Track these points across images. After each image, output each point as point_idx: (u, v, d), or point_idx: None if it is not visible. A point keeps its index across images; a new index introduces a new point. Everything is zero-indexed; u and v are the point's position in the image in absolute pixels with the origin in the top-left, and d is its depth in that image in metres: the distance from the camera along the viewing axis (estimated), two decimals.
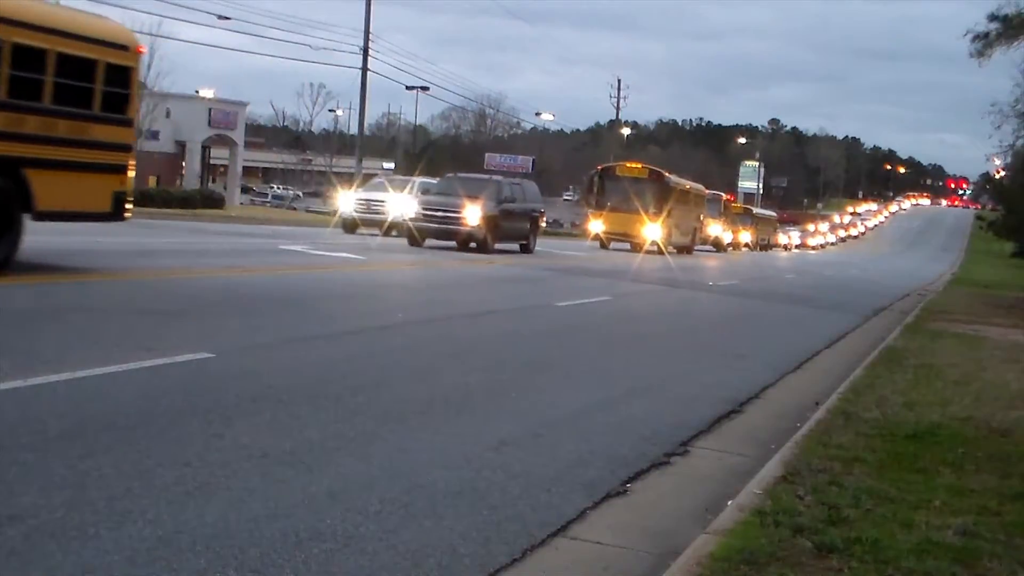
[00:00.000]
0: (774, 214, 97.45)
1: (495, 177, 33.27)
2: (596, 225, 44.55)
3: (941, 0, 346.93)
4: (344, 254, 22.65)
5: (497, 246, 29.60)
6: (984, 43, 29.74)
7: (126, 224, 20.91)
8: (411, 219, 28.55)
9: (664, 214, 43.12)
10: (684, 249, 47.85)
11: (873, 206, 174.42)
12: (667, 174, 46.54)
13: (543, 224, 34.36)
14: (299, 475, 5.61)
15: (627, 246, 43.39)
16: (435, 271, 21.69)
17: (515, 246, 31.62)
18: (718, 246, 60.09)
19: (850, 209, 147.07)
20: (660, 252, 41.20)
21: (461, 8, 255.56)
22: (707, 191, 57.96)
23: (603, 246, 43.83)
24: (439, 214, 28.24)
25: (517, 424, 7.49)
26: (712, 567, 4.58)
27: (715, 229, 59.70)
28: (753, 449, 7.68)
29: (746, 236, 71.88)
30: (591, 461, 6.73)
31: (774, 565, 4.65)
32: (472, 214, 28.05)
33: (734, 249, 63.82)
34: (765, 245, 78.79)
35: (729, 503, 5.80)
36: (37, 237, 19.99)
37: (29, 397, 6.60)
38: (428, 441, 6.69)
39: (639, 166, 47.24)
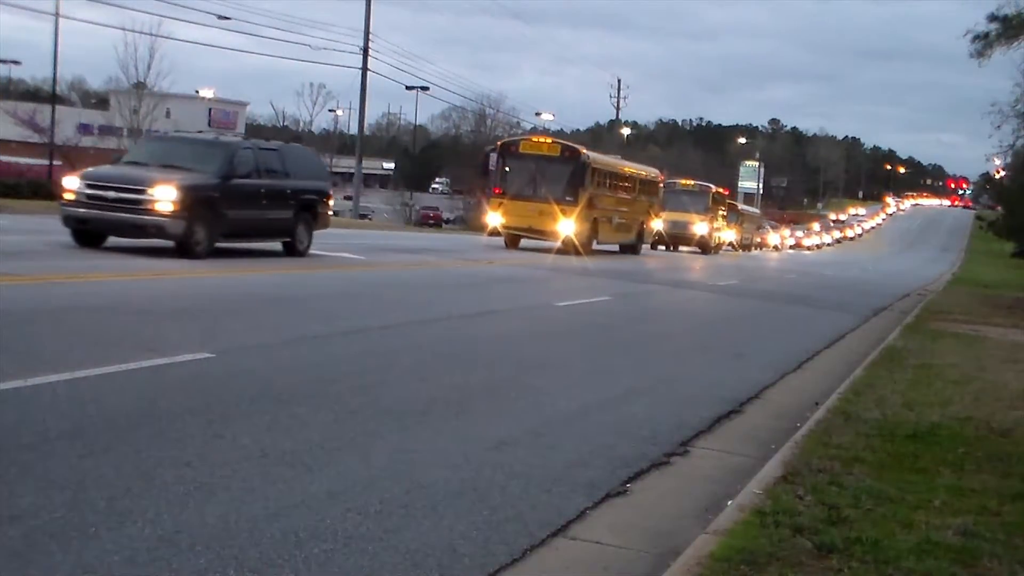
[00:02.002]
0: (758, 211, 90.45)
1: (223, 137, 22.37)
2: (494, 217, 33.30)
3: (934, 0, 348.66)
4: (344, 254, 22.65)
5: (230, 245, 19.17)
6: (984, 43, 29.73)
7: None
8: (67, 202, 17.85)
9: (583, 203, 32.75)
10: (629, 249, 38.79)
11: (862, 211, 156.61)
12: (586, 151, 35.02)
13: (329, 212, 22.75)
14: (299, 475, 5.61)
15: (544, 244, 33.22)
16: (435, 271, 21.69)
17: (275, 246, 20.80)
18: (704, 247, 50.76)
19: (832, 216, 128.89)
20: (577, 252, 31.50)
21: (457, 8, 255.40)
22: (664, 178, 46.99)
23: (509, 245, 33.68)
24: (111, 194, 17.40)
25: (517, 424, 7.50)
26: (712, 567, 4.58)
27: (700, 228, 50.38)
28: (753, 449, 7.68)
29: (730, 235, 63.13)
30: (591, 461, 6.73)
31: (774, 565, 4.65)
32: (164, 194, 17.23)
33: (716, 251, 54.45)
34: (748, 245, 70.36)
35: (729, 503, 5.81)
36: (38, 237, 19.99)
37: (29, 397, 6.61)
38: (428, 441, 6.69)
39: (548, 141, 35.16)
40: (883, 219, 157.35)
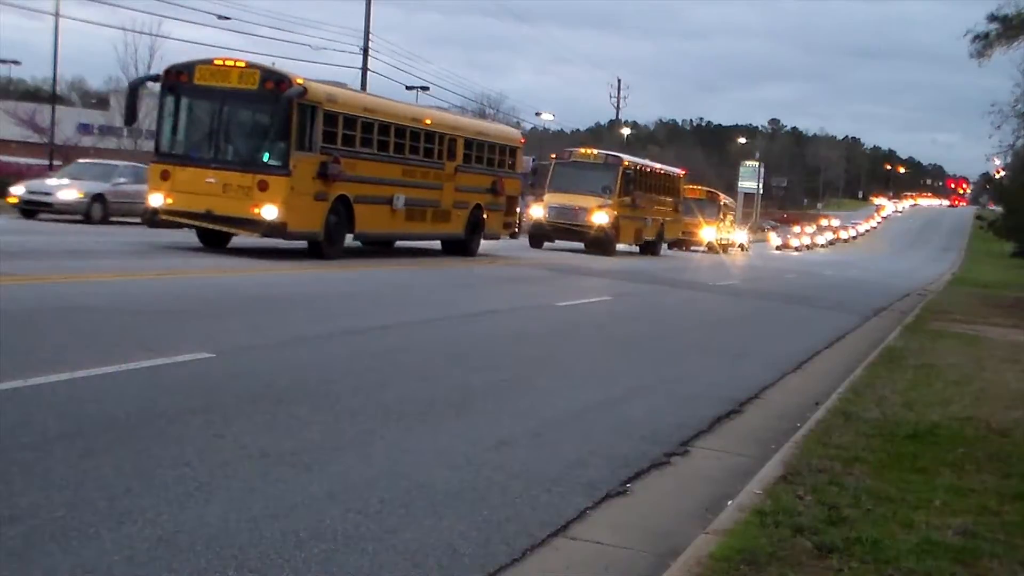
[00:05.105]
0: (727, 200, 72.62)
1: None
2: (155, 197, 19.71)
3: (925, 1, 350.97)
4: None
5: None
6: (984, 43, 29.75)
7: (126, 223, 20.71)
8: None
9: (305, 170, 19.47)
10: (455, 247, 26.20)
11: (835, 221, 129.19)
12: (305, 80, 19.97)
13: None
14: (299, 475, 5.61)
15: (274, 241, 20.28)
16: (435, 271, 21.68)
17: None
18: (603, 245, 35.05)
19: (796, 229, 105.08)
20: (323, 255, 20.15)
21: (451, 7, 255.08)
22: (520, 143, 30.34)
23: (204, 242, 20.31)
24: None
25: (517, 424, 7.50)
26: (712, 567, 4.58)
27: (600, 217, 34.72)
28: (753, 449, 7.69)
29: (710, 233, 52.22)
30: (591, 461, 6.74)
31: (774, 565, 4.65)
32: None
33: (653, 251, 40.02)
34: (726, 244, 57.53)
35: (729, 503, 5.81)
36: (38, 237, 19.99)
37: (29, 397, 6.61)
38: (428, 441, 6.69)
39: (240, 65, 19.87)
40: (878, 223, 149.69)
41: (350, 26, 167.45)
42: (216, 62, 20.13)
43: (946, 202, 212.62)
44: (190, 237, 20.44)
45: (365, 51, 49.80)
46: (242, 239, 20.33)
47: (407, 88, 64.22)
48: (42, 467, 5.24)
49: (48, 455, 5.44)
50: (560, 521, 5.44)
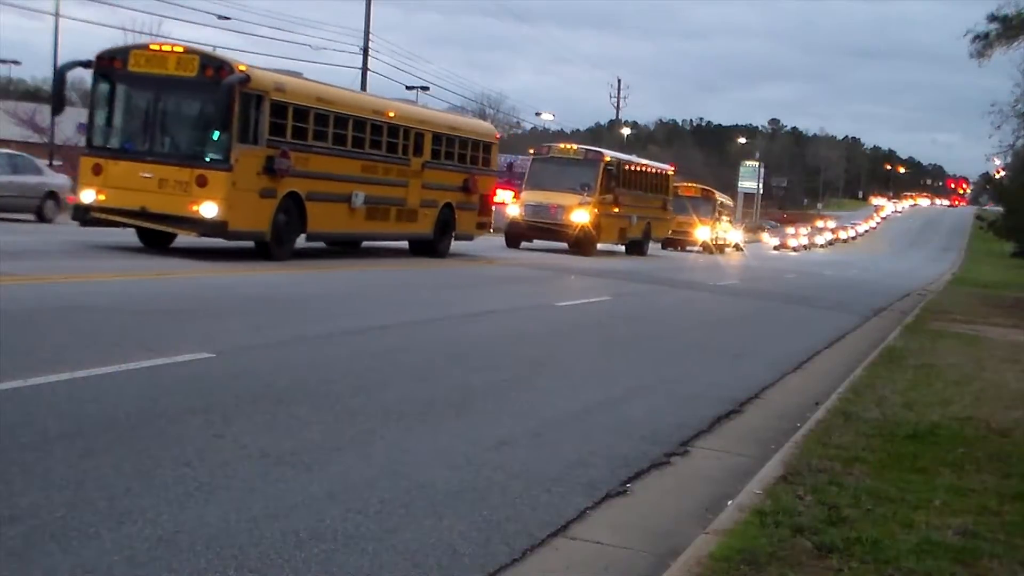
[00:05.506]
0: (723, 198, 65.41)
1: None
2: (87, 193, 18.27)
3: (925, 1, 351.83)
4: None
5: None
6: (984, 43, 29.77)
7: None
8: None
9: (247, 165, 17.98)
10: (423, 247, 24.71)
11: (831, 223, 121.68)
12: (250, 67, 18.54)
13: None
14: (299, 475, 5.61)
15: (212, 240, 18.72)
16: (434, 271, 21.69)
17: None
18: (583, 244, 32.95)
19: (791, 230, 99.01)
20: (271, 255, 18.63)
21: (449, 7, 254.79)
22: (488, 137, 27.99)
23: (144, 241, 18.89)
24: None
25: (517, 424, 7.50)
26: (712, 567, 4.58)
27: (579, 215, 32.64)
28: (753, 449, 7.69)
29: (705, 232, 51.19)
30: (591, 461, 6.74)
31: (774, 565, 4.65)
32: None
33: (639, 251, 38.23)
34: (722, 244, 56.00)
35: (729, 503, 5.81)
36: (36, 237, 20.01)
37: (29, 397, 6.61)
38: (428, 441, 6.69)
39: (178, 50, 18.37)
40: (877, 223, 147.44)
41: (350, 26, 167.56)
42: (152, 47, 18.98)
43: (946, 202, 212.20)
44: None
45: (365, 51, 49.79)
46: (188, 239, 18.73)
47: (407, 88, 64.19)
48: (42, 467, 5.24)
49: (48, 455, 5.44)
50: (560, 521, 5.44)
